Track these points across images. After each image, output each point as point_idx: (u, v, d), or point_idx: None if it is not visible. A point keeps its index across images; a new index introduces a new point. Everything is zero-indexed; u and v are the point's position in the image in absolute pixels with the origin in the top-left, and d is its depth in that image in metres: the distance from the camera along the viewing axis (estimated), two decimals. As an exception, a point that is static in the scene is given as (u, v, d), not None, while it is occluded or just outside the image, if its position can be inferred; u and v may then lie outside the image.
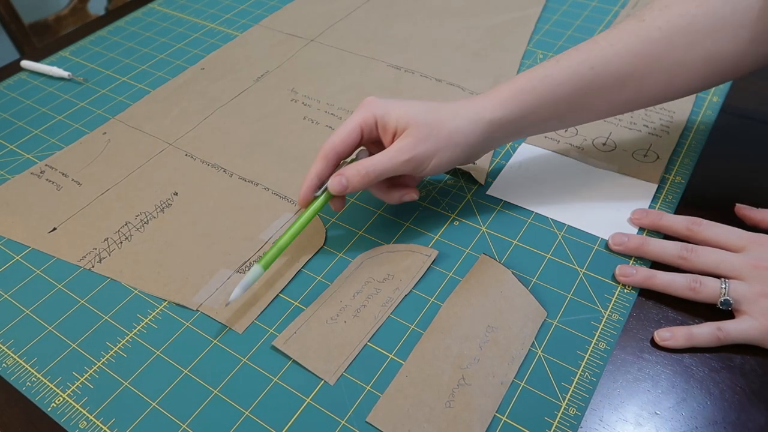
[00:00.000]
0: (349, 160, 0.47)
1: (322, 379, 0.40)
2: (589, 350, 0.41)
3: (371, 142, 0.47)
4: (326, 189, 0.44)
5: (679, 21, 0.43)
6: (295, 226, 0.44)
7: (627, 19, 0.45)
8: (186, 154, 0.58)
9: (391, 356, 0.41)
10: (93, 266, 0.48)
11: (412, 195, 0.47)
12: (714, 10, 0.42)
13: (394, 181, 0.48)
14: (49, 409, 0.40)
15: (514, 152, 0.55)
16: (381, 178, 0.44)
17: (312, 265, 0.47)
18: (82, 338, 0.43)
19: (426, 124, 0.44)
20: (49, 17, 1.20)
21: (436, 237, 0.48)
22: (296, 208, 0.51)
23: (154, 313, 0.45)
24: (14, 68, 0.72)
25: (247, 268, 0.47)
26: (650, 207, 0.49)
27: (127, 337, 0.43)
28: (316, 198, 0.45)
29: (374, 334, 0.42)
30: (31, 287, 0.47)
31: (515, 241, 0.48)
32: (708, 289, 0.41)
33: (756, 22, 0.42)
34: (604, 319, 0.42)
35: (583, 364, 0.40)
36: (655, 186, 0.51)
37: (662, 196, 0.50)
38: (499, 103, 0.45)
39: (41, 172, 0.57)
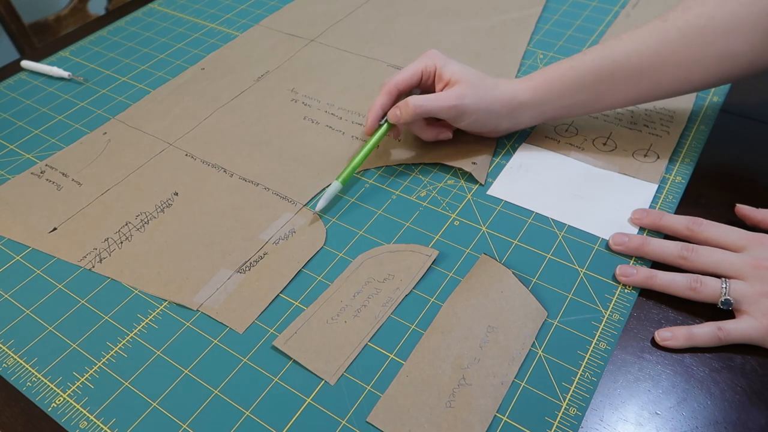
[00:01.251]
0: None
1: (322, 379, 0.40)
2: (590, 350, 0.41)
3: (425, 89, 0.54)
4: (387, 119, 0.52)
5: (697, 21, 0.47)
6: (366, 147, 0.52)
7: (653, 20, 0.49)
8: (186, 154, 0.58)
9: (392, 356, 0.41)
10: (93, 266, 0.48)
11: (447, 133, 0.54)
12: (731, 12, 0.46)
13: (431, 121, 0.55)
14: (50, 409, 0.40)
15: (514, 152, 0.55)
16: (427, 115, 0.51)
17: (312, 265, 0.47)
18: (83, 338, 0.43)
19: (475, 84, 0.51)
20: (49, 17, 1.20)
21: (437, 237, 0.48)
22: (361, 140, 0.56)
23: (154, 313, 0.45)
24: (14, 68, 0.72)
25: (246, 269, 0.47)
26: (650, 207, 0.49)
27: (128, 337, 0.43)
28: (379, 126, 0.53)
29: (375, 334, 0.42)
30: (31, 287, 0.47)
31: (515, 241, 0.48)
32: (708, 288, 0.41)
33: None
34: (605, 319, 0.42)
35: (584, 364, 0.40)
36: (655, 186, 0.51)
37: (662, 196, 0.50)
38: (530, 88, 0.51)
39: (41, 172, 0.57)
